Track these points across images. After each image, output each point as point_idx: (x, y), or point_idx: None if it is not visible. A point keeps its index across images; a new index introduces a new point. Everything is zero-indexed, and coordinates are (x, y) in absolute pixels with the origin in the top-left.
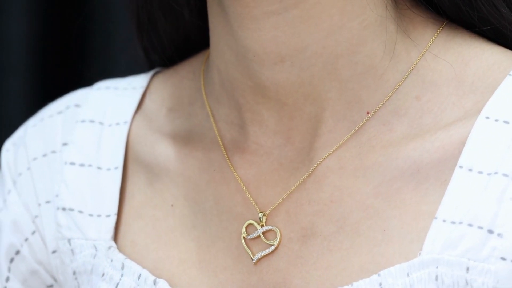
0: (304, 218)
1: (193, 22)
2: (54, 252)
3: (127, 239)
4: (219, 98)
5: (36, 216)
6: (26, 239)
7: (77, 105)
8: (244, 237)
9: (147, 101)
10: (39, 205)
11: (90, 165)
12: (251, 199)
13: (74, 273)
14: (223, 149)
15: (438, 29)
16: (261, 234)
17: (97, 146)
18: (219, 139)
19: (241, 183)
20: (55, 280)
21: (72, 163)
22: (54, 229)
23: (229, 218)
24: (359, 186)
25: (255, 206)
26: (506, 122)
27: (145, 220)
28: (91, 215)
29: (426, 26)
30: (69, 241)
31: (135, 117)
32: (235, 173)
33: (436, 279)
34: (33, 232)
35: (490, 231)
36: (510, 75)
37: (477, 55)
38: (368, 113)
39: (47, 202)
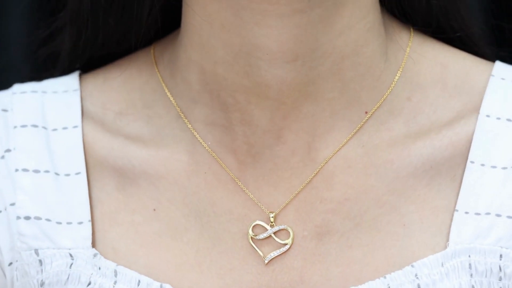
0: (317, 216)
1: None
2: (10, 264)
3: (106, 246)
4: (197, 98)
5: None
6: None
7: (4, 110)
8: (252, 237)
9: (86, 104)
10: None
11: (47, 171)
12: (255, 199)
13: (42, 284)
14: (210, 150)
15: (409, 32)
16: (272, 234)
17: (47, 151)
18: (201, 141)
19: (240, 184)
20: None
21: (25, 170)
22: (11, 239)
23: (230, 220)
24: (373, 184)
25: (261, 206)
26: (508, 120)
27: (124, 226)
28: (59, 223)
29: (401, 30)
30: (36, 251)
31: (84, 121)
32: (231, 174)
33: (470, 267)
34: None
35: None
36: (493, 76)
37: (453, 58)
38: (366, 112)
39: None
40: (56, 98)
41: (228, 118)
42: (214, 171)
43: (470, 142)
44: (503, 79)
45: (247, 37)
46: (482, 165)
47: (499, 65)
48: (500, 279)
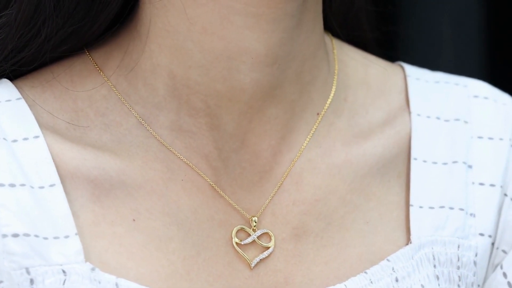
0: (293, 218)
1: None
2: None
3: (94, 260)
4: (162, 104)
5: None
6: None
7: None
8: (236, 242)
9: (35, 113)
10: None
11: (22, 185)
12: (235, 205)
13: None
14: (181, 157)
15: (329, 38)
16: (256, 238)
17: (15, 163)
18: (170, 148)
19: (218, 189)
20: None
21: (1, 185)
22: None
23: (212, 226)
24: (337, 184)
25: (241, 211)
26: (437, 118)
27: (107, 238)
28: (46, 238)
29: (324, 34)
30: (27, 270)
31: (42, 131)
32: (208, 180)
33: (433, 258)
34: None
35: (466, 212)
36: (409, 76)
37: (369, 60)
38: (318, 114)
39: None
40: (2, 108)
41: (197, 124)
42: (190, 177)
43: (410, 140)
44: (417, 79)
45: (234, 41)
46: (424, 161)
47: (406, 66)
48: (458, 268)
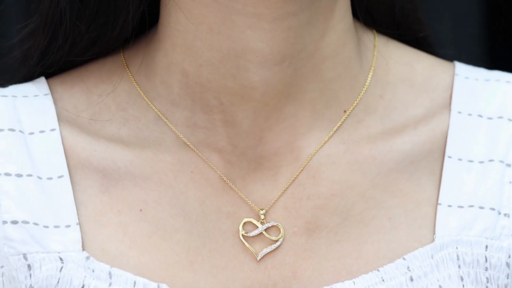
0: (306, 212)
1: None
2: None
3: (96, 249)
4: (178, 101)
5: None
6: None
7: None
8: (243, 235)
9: (59, 108)
10: None
11: (29, 175)
12: (244, 197)
13: None
14: (196, 150)
15: (373, 34)
16: (263, 231)
17: (27, 155)
18: (185, 141)
19: (228, 182)
20: None
21: (8, 174)
22: None
23: (220, 218)
24: (357, 179)
25: (250, 204)
26: (479, 116)
27: (111, 227)
28: (46, 226)
29: (365, 31)
30: (25, 255)
31: (60, 125)
32: (219, 172)
33: (458, 258)
34: None
35: (499, 212)
36: (457, 74)
37: (416, 58)
38: (345, 111)
39: None
40: (28, 102)
41: (211, 120)
42: (200, 170)
43: (446, 138)
44: (466, 78)
45: (238, 40)
46: (460, 159)
47: (459, 65)
48: (486, 269)
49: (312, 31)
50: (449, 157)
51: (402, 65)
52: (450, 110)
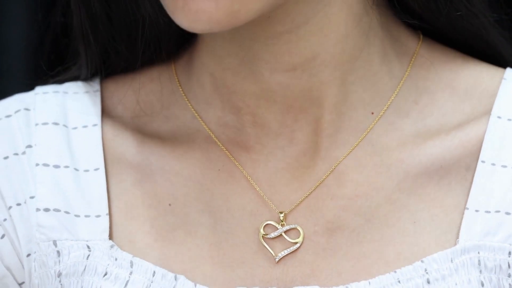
0: (328, 212)
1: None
2: (28, 255)
3: (123, 239)
4: (210, 101)
5: (5, 220)
6: None
7: (26, 109)
8: (263, 236)
9: (107, 105)
10: (9, 208)
11: (66, 167)
12: (265, 197)
13: (60, 275)
14: (224, 148)
15: (418, 38)
16: (283, 233)
17: (67, 148)
18: (216, 139)
19: (252, 181)
20: (21, 285)
21: (46, 165)
22: (29, 231)
23: (242, 215)
24: (383, 182)
25: (271, 204)
26: None
27: (140, 220)
28: (77, 215)
29: (408, 34)
30: (54, 242)
31: (103, 120)
32: (244, 172)
33: (479, 263)
34: (2, 236)
35: None
36: (505, 79)
37: (463, 64)
38: (372, 113)
39: (18, 204)
40: (77, 98)
41: (241, 121)
42: (227, 168)
43: (481, 143)
44: None
45: (247, 49)
46: (493, 164)
47: (511, 70)
48: (509, 275)
49: (321, 41)
50: (483, 161)
51: (445, 72)
52: (490, 115)
